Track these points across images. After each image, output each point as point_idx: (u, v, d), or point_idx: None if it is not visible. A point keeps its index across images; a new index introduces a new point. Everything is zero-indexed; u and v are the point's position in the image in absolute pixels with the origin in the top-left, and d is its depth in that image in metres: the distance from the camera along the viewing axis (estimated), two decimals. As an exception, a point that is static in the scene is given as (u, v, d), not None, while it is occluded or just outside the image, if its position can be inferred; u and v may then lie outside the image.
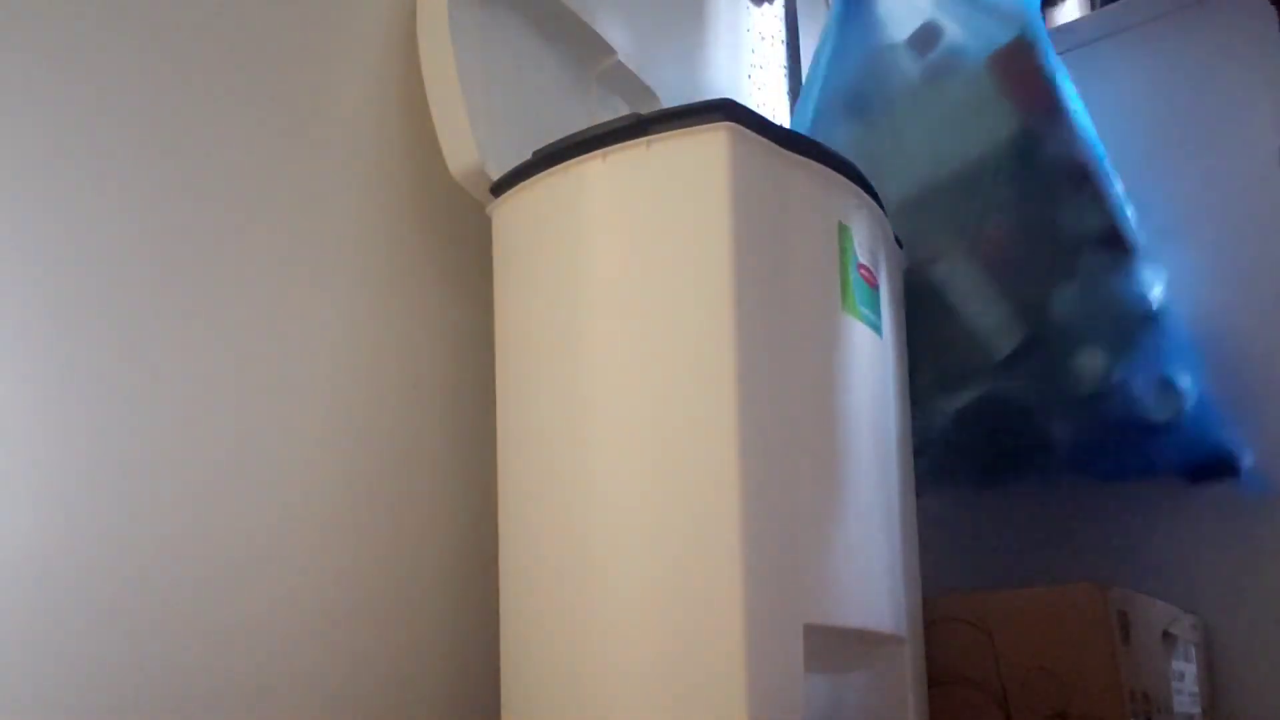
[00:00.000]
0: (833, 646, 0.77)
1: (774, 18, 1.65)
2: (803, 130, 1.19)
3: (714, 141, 0.75)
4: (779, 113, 1.60)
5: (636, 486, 0.74)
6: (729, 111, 0.76)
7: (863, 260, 0.86)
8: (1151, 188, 1.16)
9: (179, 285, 0.74)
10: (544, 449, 0.80)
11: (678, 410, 0.74)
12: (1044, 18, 1.10)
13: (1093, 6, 1.52)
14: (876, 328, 0.87)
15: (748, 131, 0.77)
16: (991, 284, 1.06)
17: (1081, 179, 1.04)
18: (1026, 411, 1.09)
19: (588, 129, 0.81)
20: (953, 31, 1.10)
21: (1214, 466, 1.12)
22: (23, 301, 0.65)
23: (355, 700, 0.80)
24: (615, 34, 1.11)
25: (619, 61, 1.10)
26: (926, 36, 1.12)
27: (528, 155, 0.84)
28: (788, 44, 1.66)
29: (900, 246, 0.98)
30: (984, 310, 1.06)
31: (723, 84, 1.44)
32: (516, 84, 0.98)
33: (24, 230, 0.66)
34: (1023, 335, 1.06)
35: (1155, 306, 1.07)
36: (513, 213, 0.86)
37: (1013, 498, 1.28)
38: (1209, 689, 1.13)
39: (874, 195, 0.90)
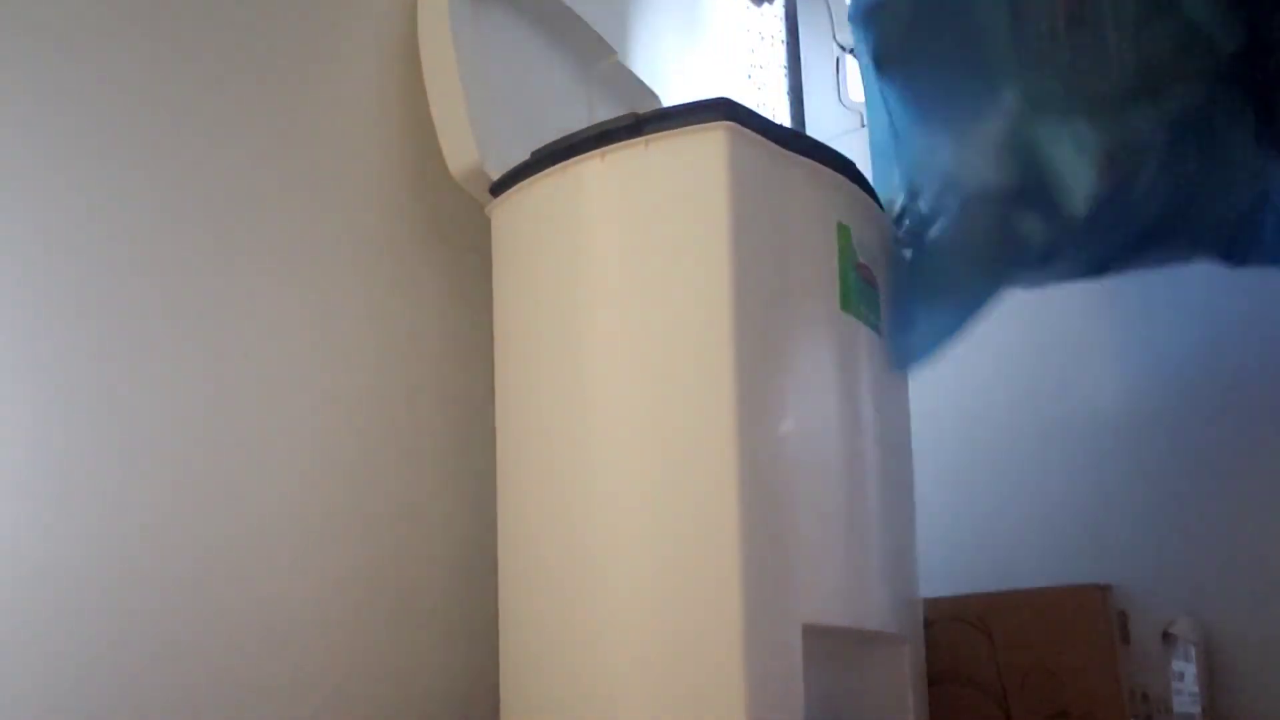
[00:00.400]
0: (832, 646, 0.77)
1: (774, 18, 1.65)
2: None
3: (712, 141, 0.75)
4: (779, 113, 1.60)
5: (635, 486, 0.74)
6: (727, 110, 0.76)
7: (862, 259, 0.86)
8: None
9: (177, 285, 0.74)
10: (543, 448, 0.80)
11: (677, 409, 0.74)
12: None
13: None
14: (876, 327, 0.87)
15: (746, 130, 0.77)
16: None
17: None
18: (1234, 129, 0.94)
19: (586, 129, 0.81)
20: None
21: None
22: (21, 302, 0.65)
23: (355, 701, 0.80)
24: (615, 34, 1.11)
25: (619, 61, 1.10)
26: None
27: (527, 155, 0.84)
28: (788, 44, 1.66)
29: (901, 245, 0.98)
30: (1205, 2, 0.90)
31: (722, 84, 1.43)
32: (516, 84, 0.98)
33: (23, 231, 0.66)
34: (1244, 36, 0.92)
35: None
36: (512, 212, 0.86)
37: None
38: (1209, 689, 1.13)
39: (874, 194, 0.90)
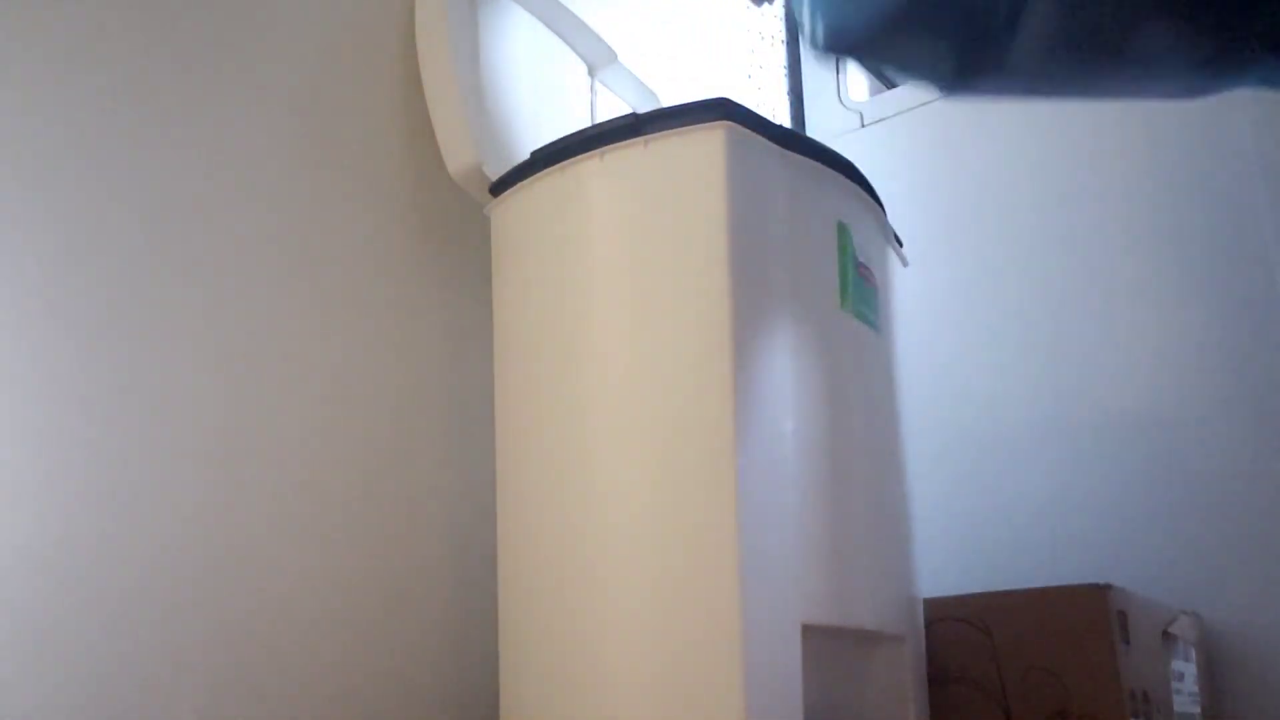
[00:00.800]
0: (832, 646, 0.77)
1: (774, 18, 1.65)
2: None
3: (711, 140, 0.75)
4: (779, 113, 1.60)
5: (634, 486, 0.74)
6: (726, 110, 0.76)
7: (862, 259, 0.86)
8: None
9: (178, 285, 0.74)
10: (542, 447, 0.80)
11: (675, 409, 0.73)
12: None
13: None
14: (875, 326, 0.87)
15: (745, 130, 0.77)
16: None
17: None
18: None
19: (585, 129, 0.81)
20: None
21: None
22: (23, 304, 0.65)
23: (355, 702, 0.80)
24: (615, 34, 1.11)
25: (619, 62, 1.10)
26: None
27: (526, 155, 0.84)
28: (788, 44, 1.66)
29: (900, 245, 0.98)
30: None
31: (722, 84, 1.43)
32: (516, 84, 0.98)
33: (26, 233, 0.66)
34: None
35: None
36: (511, 213, 0.86)
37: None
38: (1209, 689, 1.13)
39: (874, 194, 0.90)
